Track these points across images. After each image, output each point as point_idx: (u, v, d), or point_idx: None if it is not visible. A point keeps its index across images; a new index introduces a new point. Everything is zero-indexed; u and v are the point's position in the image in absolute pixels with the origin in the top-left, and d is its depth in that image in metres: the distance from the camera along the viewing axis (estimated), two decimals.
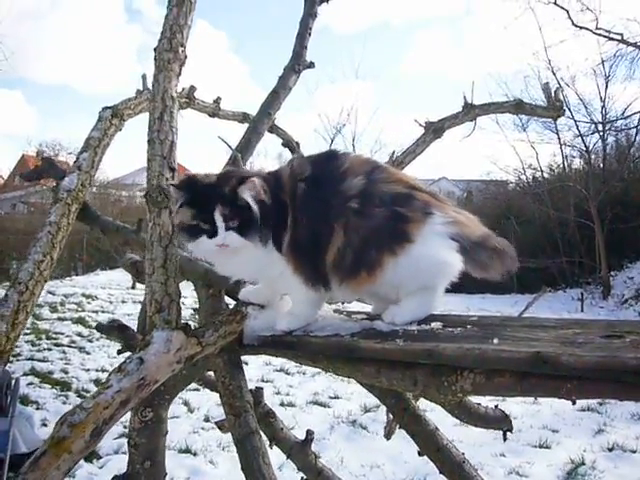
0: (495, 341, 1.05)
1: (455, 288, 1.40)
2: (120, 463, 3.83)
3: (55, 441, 1.00)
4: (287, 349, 1.37)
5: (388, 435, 2.01)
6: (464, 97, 2.63)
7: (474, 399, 1.66)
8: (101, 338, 8.26)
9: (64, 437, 1.00)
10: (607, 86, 14.98)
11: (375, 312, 1.42)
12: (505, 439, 1.76)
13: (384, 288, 1.30)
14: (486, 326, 1.21)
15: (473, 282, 1.46)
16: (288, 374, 6.85)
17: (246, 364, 1.53)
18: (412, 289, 1.29)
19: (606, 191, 13.62)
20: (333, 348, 1.26)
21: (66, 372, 6.77)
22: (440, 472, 1.63)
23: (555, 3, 14.42)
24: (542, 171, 16.70)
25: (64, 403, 5.60)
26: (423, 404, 1.68)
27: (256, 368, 6.68)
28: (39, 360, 7.20)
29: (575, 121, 15.02)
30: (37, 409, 5.34)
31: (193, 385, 2.15)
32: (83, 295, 12.47)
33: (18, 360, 6.88)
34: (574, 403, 1.02)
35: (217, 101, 2.89)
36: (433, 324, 1.24)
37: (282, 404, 5.65)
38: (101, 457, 4.30)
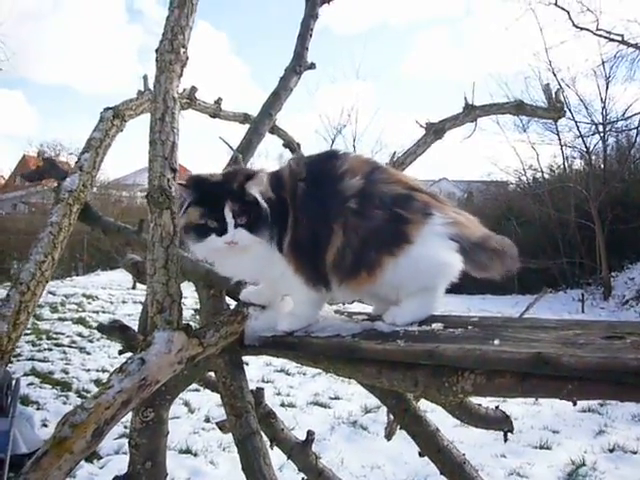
0: (496, 342, 1.05)
1: (456, 289, 1.40)
2: (121, 463, 3.83)
3: (57, 441, 1.00)
4: (288, 350, 1.37)
5: (389, 436, 2.01)
6: (465, 98, 2.63)
7: (475, 400, 1.66)
8: (102, 338, 8.26)
9: (66, 437, 1.00)
10: (608, 87, 15.03)
11: (376, 313, 1.42)
12: (506, 440, 1.76)
13: (384, 289, 1.30)
14: (487, 327, 1.21)
15: (474, 283, 1.46)
16: (289, 375, 6.86)
17: (247, 364, 1.54)
18: (412, 290, 1.29)
19: (607, 192, 13.63)
20: (334, 349, 1.26)
21: (67, 372, 6.77)
22: (441, 473, 1.63)
23: (556, 4, 14.44)
24: (543, 172, 16.72)
25: (64, 403, 5.61)
26: (424, 405, 1.68)
27: (257, 369, 6.68)
28: (40, 360, 7.21)
29: (576, 122, 15.06)
30: (37, 409, 5.34)
31: (194, 386, 2.15)
32: (84, 295, 12.48)
33: (19, 360, 6.89)
34: (575, 404, 1.03)
35: (218, 102, 2.89)
36: (434, 325, 1.24)
37: (283, 405, 5.65)
38: (102, 457, 4.30)
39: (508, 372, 1.00)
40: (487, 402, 1.71)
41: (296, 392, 6.20)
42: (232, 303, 1.59)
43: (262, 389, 1.81)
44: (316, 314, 1.36)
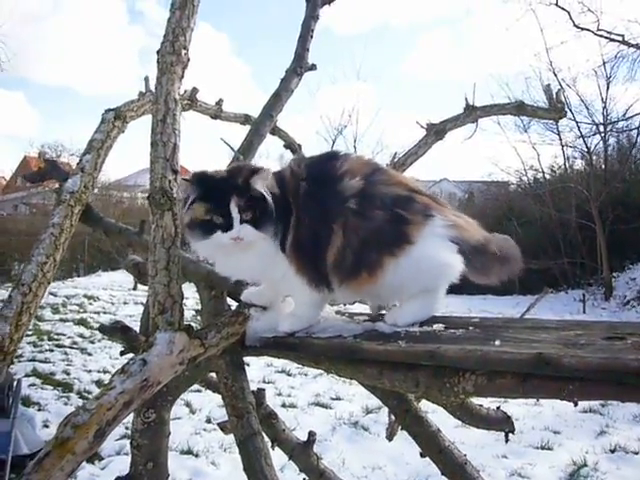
0: (497, 342, 1.05)
1: (456, 289, 1.40)
2: (122, 464, 3.84)
3: (59, 442, 1.00)
4: (289, 350, 1.37)
5: (390, 436, 2.01)
6: (465, 99, 2.63)
7: (476, 400, 1.66)
8: (103, 339, 8.27)
9: (68, 438, 1.00)
10: (608, 87, 15.02)
11: (373, 312, 1.43)
12: (507, 441, 1.76)
13: (385, 290, 1.30)
14: (488, 327, 1.21)
15: (474, 283, 1.46)
16: (290, 375, 6.86)
17: (248, 365, 1.54)
18: (413, 291, 1.29)
19: (608, 192, 13.62)
20: (335, 349, 1.26)
21: (68, 373, 6.78)
22: (442, 474, 1.63)
23: (556, 4, 14.46)
24: (543, 172, 16.71)
25: (66, 404, 5.61)
26: (425, 405, 1.68)
27: (258, 369, 6.68)
28: (41, 361, 7.21)
29: (577, 122, 15.06)
30: (39, 410, 5.35)
31: (195, 386, 2.15)
32: (85, 296, 12.48)
33: (20, 361, 6.89)
34: (576, 404, 1.03)
35: (219, 103, 2.89)
36: (435, 326, 1.25)
37: (284, 405, 5.66)
38: (103, 458, 4.31)
39: (509, 373, 1.01)
40: (488, 403, 1.71)
41: (297, 393, 6.20)
42: (233, 304, 1.60)
43: (263, 390, 1.81)
44: (317, 315, 1.36)
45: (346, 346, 1.23)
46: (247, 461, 1.40)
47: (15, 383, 3.86)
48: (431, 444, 1.62)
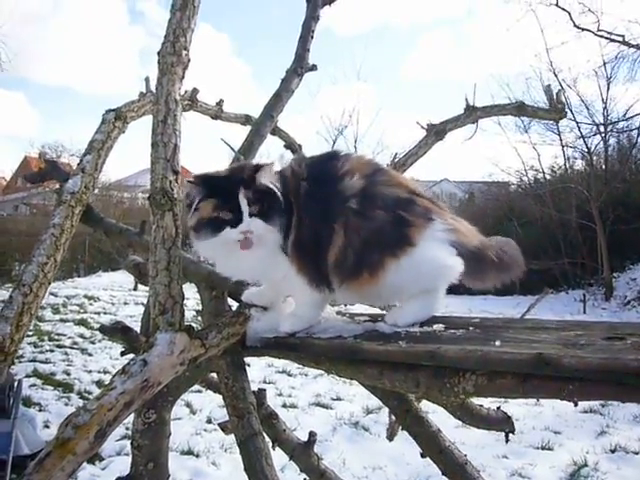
0: (497, 343, 1.06)
1: (457, 290, 1.41)
2: (122, 465, 3.85)
3: (60, 442, 1.00)
4: (290, 351, 1.37)
5: (390, 437, 2.01)
6: (466, 99, 2.63)
7: (476, 401, 1.66)
8: (103, 340, 8.27)
9: (68, 438, 1.00)
10: (609, 88, 15.01)
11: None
12: (507, 441, 1.76)
13: (385, 290, 1.30)
14: (488, 328, 1.21)
15: None
16: (290, 376, 6.86)
17: (248, 366, 1.54)
18: (414, 291, 1.30)
19: (608, 192, 13.61)
20: (336, 350, 1.26)
21: (68, 374, 6.77)
22: (443, 474, 1.63)
23: (557, 5, 14.45)
24: (544, 172, 16.71)
25: (66, 405, 5.61)
26: (425, 406, 1.68)
27: (258, 370, 6.68)
28: (41, 362, 7.21)
29: (577, 123, 15.05)
30: (39, 411, 5.34)
31: (196, 387, 2.15)
32: (85, 297, 12.48)
33: (21, 362, 6.89)
34: (576, 405, 1.03)
35: (219, 103, 2.89)
36: (435, 326, 1.25)
37: (284, 406, 5.65)
38: (103, 459, 4.30)
39: (509, 373, 1.01)
40: (488, 403, 1.71)
41: (298, 393, 6.20)
42: (234, 304, 1.60)
43: (264, 390, 1.81)
44: (318, 315, 1.36)
45: (347, 346, 1.23)
46: (248, 461, 1.40)
47: (16, 384, 3.86)
48: (432, 444, 1.62)
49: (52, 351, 7.86)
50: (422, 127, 2.59)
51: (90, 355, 7.77)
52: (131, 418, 1.41)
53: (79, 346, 8.24)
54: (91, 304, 11.81)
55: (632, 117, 14.81)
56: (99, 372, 6.82)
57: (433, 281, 1.30)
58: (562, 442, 4.77)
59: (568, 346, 0.98)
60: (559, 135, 15.75)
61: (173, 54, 1.42)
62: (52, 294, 11.83)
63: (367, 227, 1.24)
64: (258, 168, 1.26)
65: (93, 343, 8.40)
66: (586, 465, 4.26)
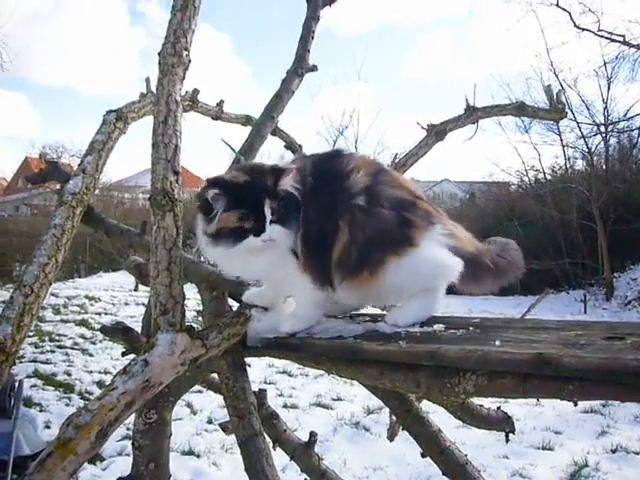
0: (497, 343, 1.06)
1: (457, 290, 1.41)
2: (123, 465, 3.85)
3: (61, 442, 1.00)
4: (290, 351, 1.37)
5: (391, 437, 2.01)
6: (466, 100, 2.63)
7: (476, 401, 1.66)
8: (104, 340, 8.28)
9: (70, 438, 1.01)
10: (609, 88, 15.02)
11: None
12: (507, 441, 1.76)
13: (385, 290, 1.30)
14: (488, 328, 1.21)
15: None
16: (291, 376, 6.86)
17: (249, 366, 1.54)
18: (413, 291, 1.30)
19: (609, 192, 13.61)
20: (336, 350, 1.26)
21: (69, 374, 6.78)
22: (443, 474, 1.63)
23: (557, 5, 14.45)
24: (544, 173, 16.70)
25: (67, 405, 5.62)
26: (426, 406, 1.68)
27: (259, 370, 6.68)
28: (42, 362, 7.22)
29: (577, 123, 15.06)
30: (40, 411, 5.35)
31: (196, 387, 2.16)
32: (86, 297, 12.49)
33: (21, 362, 6.90)
34: (576, 404, 1.03)
35: (220, 104, 2.90)
36: (435, 326, 1.25)
37: (285, 406, 5.66)
38: (104, 459, 4.31)
39: (509, 373, 1.01)
40: (489, 403, 1.71)
41: (298, 393, 6.20)
42: (235, 305, 1.60)
43: (265, 390, 1.81)
44: (318, 315, 1.36)
45: (347, 346, 1.23)
46: (248, 461, 1.40)
47: (17, 384, 3.86)
48: (432, 444, 1.62)
49: (53, 352, 7.87)
50: (422, 127, 2.59)
51: (91, 356, 7.77)
52: (132, 418, 1.41)
53: (80, 347, 8.25)
54: (92, 305, 11.81)
55: (633, 117, 14.85)
56: (100, 373, 6.83)
57: (433, 280, 1.30)
58: (563, 442, 4.77)
59: (568, 346, 0.98)
60: (560, 135, 15.78)
61: (174, 55, 1.42)
62: (53, 295, 11.84)
63: (372, 225, 1.25)
64: (280, 173, 1.26)
65: (94, 344, 8.40)
66: (587, 465, 4.27)
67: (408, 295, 1.31)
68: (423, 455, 1.67)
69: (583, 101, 15.18)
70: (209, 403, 5.44)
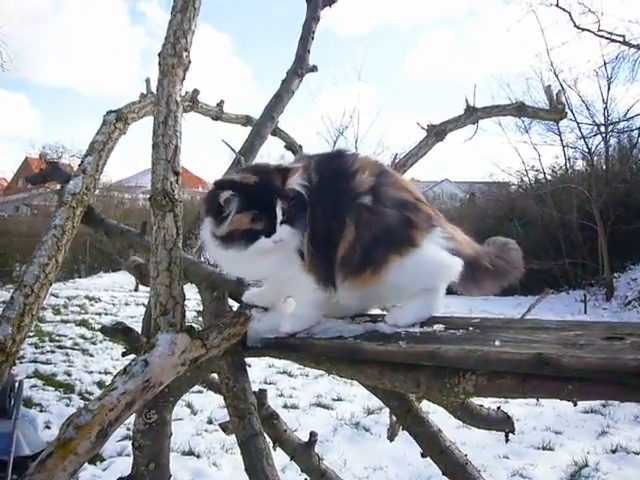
0: (497, 343, 1.06)
1: (457, 291, 1.41)
2: (123, 465, 3.85)
3: (61, 442, 1.01)
4: (290, 351, 1.37)
5: (391, 437, 2.01)
6: (466, 100, 2.64)
7: (476, 401, 1.66)
8: (104, 340, 8.29)
9: (70, 439, 1.01)
10: (609, 88, 15.03)
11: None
12: (507, 441, 1.76)
13: (386, 289, 1.30)
14: (488, 328, 1.21)
15: None
16: (291, 376, 6.86)
17: (249, 366, 1.54)
18: (414, 291, 1.30)
19: (609, 193, 13.61)
20: (336, 350, 1.26)
21: (69, 374, 6.78)
22: (443, 474, 1.63)
23: (557, 5, 14.46)
24: (544, 173, 16.71)
25: (67, 405, 5.62)
26: (426, 406, 1.69)
27: (259, 370, 6.68)
28: (42, 362, 7.22)
29: (577, 123, 15.06)
30: (40, 411, 5.35)
31: (196, 387, 2.16)
32: (86, 297, 12.50)
33: (22, 362, 6.90)
34: (575, 404, 1.03)
35: (220, 104, 2.90)
36: (435, 326, 1.25)
37: (285, 406, 5.66)
38: (104, 459, 4.31)
39: (509, 373, 1.01)
40: (489, 403, 1.71)
41: (299, 393, 6.21)
42: (235, 305, 1.60)
43: (265, 390, 1.81)
44: (319, 316, 1.36)
45: (347, 347, 1.23)
46: (248, 462, 1.40)
47: (17, 384, 3.86)
48: (432, 444, 1.62)
49: (53, 352, 7.87)
50: (422, 128, 2.59)
51: (91, 356, 7.78)
52: (132, 419, 1.41)
53: (80, 347, 8.26)
54: (92, 305, 11.82)
55: (633, 117, 14.86)
56: (100, 373, 6.83)
57: (433, 281, 1.31)
58: (563, 442, 4.77)
59: (567, 346, 0.98)
60: (560, 135, 15.78)
61: (174, 55, 1.42)
62: (53, 295, 11.84)
63: (378, 224, 1.25)
64: (287, 173, 1.26)
65: (94, 344, 8.41)
66: (587, 465, 4.27)
67: (408, 295, 1.31)
68: (423, 455, 1.67)
69: (583, 101, 15.21)
70: (209, 403, 5.44)
